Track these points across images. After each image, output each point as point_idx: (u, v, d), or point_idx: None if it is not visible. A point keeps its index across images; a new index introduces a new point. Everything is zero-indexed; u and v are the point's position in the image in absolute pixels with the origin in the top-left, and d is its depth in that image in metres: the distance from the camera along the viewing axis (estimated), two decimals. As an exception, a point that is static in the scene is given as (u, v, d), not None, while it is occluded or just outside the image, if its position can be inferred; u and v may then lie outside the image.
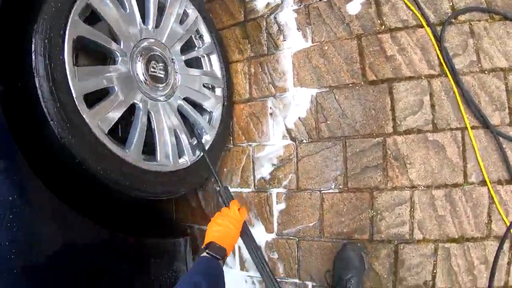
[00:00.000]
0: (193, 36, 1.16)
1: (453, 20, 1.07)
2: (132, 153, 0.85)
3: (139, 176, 0.86)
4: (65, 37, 0.78)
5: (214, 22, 1.26)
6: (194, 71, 1.12)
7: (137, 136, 0.88)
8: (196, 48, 1.17)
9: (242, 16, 1.29)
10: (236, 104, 1.28)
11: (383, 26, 1.11)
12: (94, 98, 0.83)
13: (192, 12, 1.14)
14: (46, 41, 0.74)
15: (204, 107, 1.14)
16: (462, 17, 1.07)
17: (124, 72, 0.90)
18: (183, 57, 1.10)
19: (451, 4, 1.08)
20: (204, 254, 0.76)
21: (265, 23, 1.25)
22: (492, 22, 1.05)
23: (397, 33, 1.09)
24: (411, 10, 1.10)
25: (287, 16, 1.21)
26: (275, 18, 1.23)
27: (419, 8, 1.09)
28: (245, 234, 0.88)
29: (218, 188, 0.97)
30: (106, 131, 0.82)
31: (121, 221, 0.98)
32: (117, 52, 0.90)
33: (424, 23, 1.08)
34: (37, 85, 0.72)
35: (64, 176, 0.77)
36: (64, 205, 0.75)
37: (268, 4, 1.25)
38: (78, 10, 0.82)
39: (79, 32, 0.81)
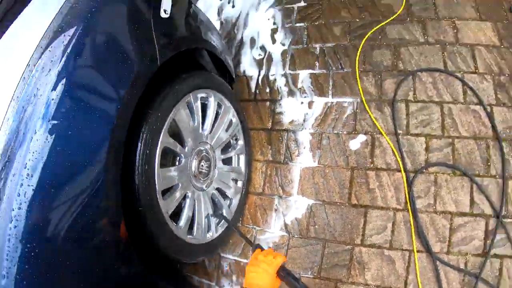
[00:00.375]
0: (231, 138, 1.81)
1: (424, 170, 1.75)
2: (182, 231, 1.47)
3: (183, 246, 1.47)
4: (158, 147, 1.37)
5: (248, 128, 1.91)
6: (227, 167, 1.76)
7: (186, 218, 1.50)
8: (230, 149, 1.82)
9: (270, 124, 1.97)
10: (250, 194, 1.93)
11: (372, 165, 1.79)
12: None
13: (236, 121, 1.79)
14: (148, 150, 1.34)
15: (227, 194, 1.77)
16: (431, 169, 1.75)
17: (184, 170, 1.52)
18: (222, 156, 1.74)
19: (426, 157, 1.77)
20: None
21: (286, 136, 1.93)
22: (453, 176, 1.73)
23: (381, 172, 1.77)
24: (395, 156, 1.78)
25: (304, 137, 1.89)
26: (294, 135, 1.91)
27: (402, 156, 1.78)
28: (286, 276, 1.13)
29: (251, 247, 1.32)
30: (169, 215, 1.43)
31: (157, 270, 1.58)
32: (182, 154, 1.51)
33: (402, 169, 1.76)
34: (136, 181, 1.32)
35: (141, 242, 1.37)
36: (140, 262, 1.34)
37: (292, 121, 1.93)
38: (168, 125, 1.43)
39: (165, 143, 1.41)
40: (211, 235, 1.66)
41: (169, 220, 1.42)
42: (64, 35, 1.09)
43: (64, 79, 1.05)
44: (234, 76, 1.94)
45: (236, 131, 1.81)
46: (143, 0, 1.34)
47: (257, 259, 1.16)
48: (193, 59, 1.71)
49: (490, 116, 1.78)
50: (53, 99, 1.02)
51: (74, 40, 1.08)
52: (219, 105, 1.71)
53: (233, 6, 2.46)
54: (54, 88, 1.03)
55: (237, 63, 2.22)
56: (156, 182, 1.36)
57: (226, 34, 2.39)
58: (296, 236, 1.82)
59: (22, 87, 1.05)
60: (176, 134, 1.50)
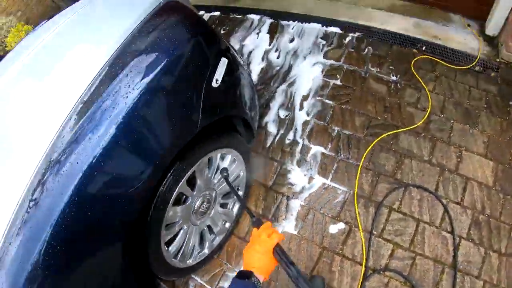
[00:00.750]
0: (234, 187, 2.43)
1: (381, 272, 2.39)
2: (170, 255, 2.10)
3: (168, 267, 2.11)
4: (175, 191, 1.97)
5: (251, 181, 2.52)
6: (221, 210, 2.39)
7: (176, 246, 2.13)
8: (230, 196, 2.43)
9: (271, 182, 2.58)
10: (233, 236, 2.55)
11: (341, 251, 2.42)
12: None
13: (243, 174, 2.40)
14: (167, 193, 1.95)
15: (213, 231, 2.41)
16: (387, 273, 2.37)
17: (188, 208, 2.13)
18: (222, 201, 2.36)
19: (387, 261, 2.39)
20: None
21: (280, 199, 2.54)
22: (403, 285, 2.31)
23: (346, 260, 2.41)
24: (362, 252, 2.42)
25: (295, 205, 2.51)
26: (287, 200, 2.53)
27: (367, 254, 2.41)
28: (278, 254, 1.30)
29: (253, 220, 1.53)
30: (164, 242, 2.05)
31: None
32: (190, 197, 2.13)
33: (363, 264, 2.40)
34: (150, 215, 1.93)
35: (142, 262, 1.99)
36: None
37: (290, 188, 2.55)
38: (189, 175, 2.03)
39: (182, 189, 2.02)
40: (190, 262, 2.31)
41: (163, 246, 2.05)
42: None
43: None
44: (254, 134, 2.53)
45: (240, 183, 2.43)
46: (201, 67, 1.83)
47: (253, 240, 1.34)
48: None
49: (456, 247, 2.39)
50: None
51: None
52: (233, 160, 2.32)
53: (278, 57, 3.01)
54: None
55: (263, 114, 2.80)
56: (166, 216, 1.98)
57: (264, 80, 2.96)
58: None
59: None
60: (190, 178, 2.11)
